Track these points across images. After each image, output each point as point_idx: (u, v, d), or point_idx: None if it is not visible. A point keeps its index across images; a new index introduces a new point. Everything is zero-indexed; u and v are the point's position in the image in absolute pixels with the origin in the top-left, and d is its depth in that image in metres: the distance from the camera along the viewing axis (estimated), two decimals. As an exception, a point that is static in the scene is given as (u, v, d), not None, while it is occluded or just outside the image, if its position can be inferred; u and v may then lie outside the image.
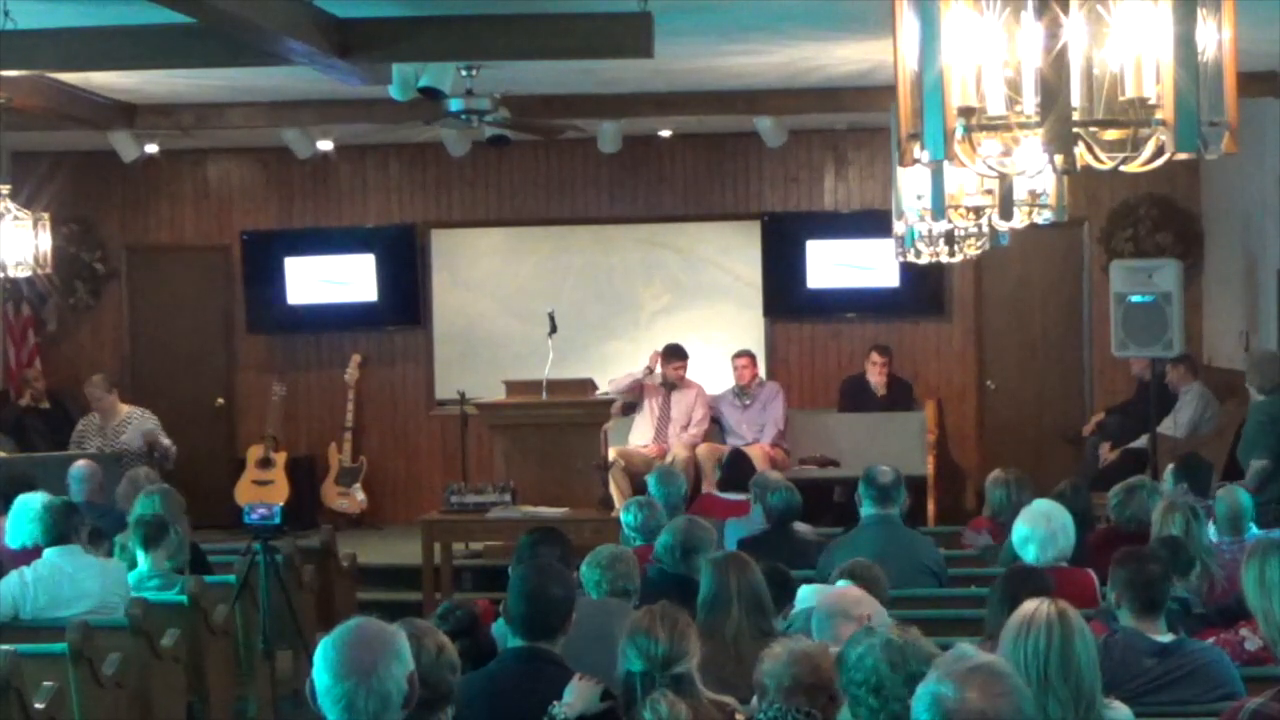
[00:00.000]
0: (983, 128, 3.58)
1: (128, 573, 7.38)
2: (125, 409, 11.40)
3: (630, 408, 12.09)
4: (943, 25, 3.58)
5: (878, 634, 3.78)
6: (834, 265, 13.00)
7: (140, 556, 7.47)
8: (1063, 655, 3.77)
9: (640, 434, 11.98)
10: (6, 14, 7.27)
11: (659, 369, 11.97)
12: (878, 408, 12.38)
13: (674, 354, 11.97)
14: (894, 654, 3.66)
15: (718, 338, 13.00)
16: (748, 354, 12.28)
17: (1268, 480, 8.93)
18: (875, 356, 12.46)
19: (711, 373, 12.53)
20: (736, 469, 9.28)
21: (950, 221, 7.42)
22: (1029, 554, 6.20)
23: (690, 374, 12.13)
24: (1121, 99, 3.53)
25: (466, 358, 13.29)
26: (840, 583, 5.74)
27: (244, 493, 12.31)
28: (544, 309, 11.46)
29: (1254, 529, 7.03)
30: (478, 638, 5.29)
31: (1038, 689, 3.70)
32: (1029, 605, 3.91)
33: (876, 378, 12.42)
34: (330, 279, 13.33)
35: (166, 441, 11.26)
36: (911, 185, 7.95)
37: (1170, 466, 8.10)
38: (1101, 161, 3.61)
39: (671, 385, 11.96)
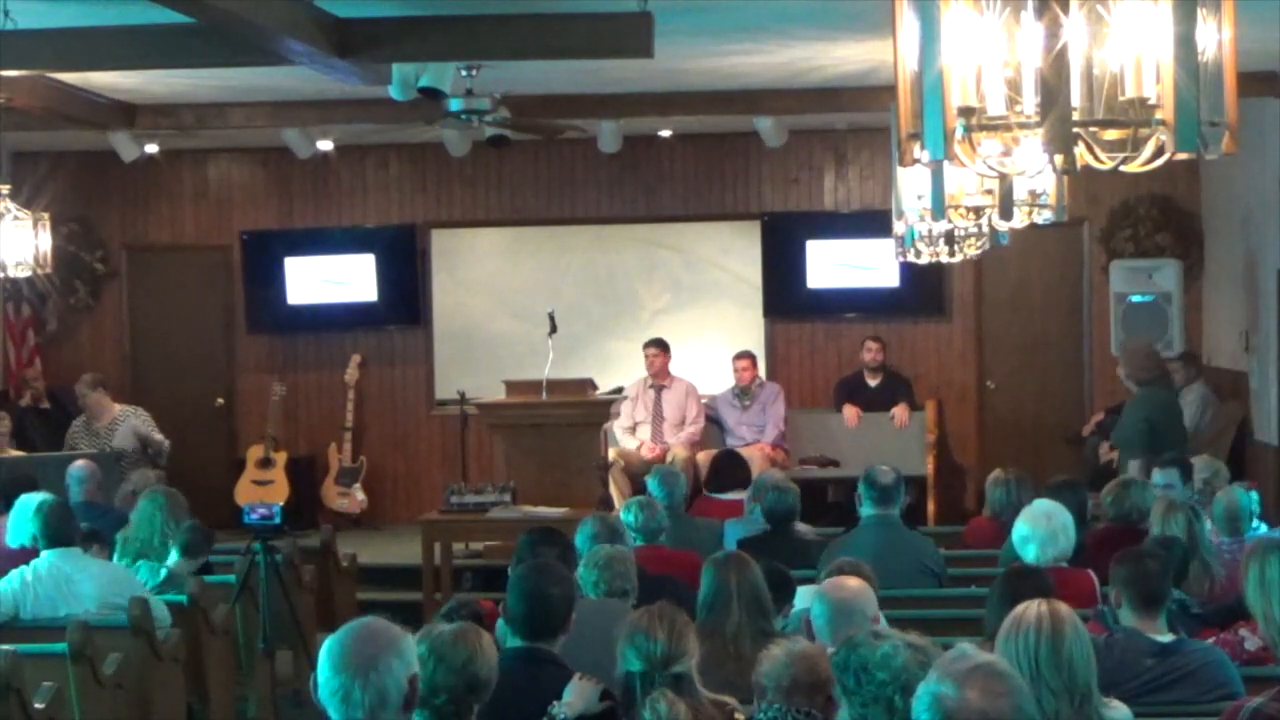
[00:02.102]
0: (983, 128, 3.58)
1: (156, 569, 7.47)
2: (117, 408, 11.34)
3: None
4: (943, 25, 3.58)
5: (891, 634, 3.78)
6: (834, 265, 13.00)
7: (174, 556, 7.56)
8: (1052, 646, 3.80)
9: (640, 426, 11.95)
10: (6, 14, 7.27)
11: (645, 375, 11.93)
12: (871, 397, 12.37)
13: (651, 343, 11.94)
14: (919, 654, 3.67)
15: (718, 338, 13.00)
16: (748, 355, 12.27)
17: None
18: (870, 344, 12.46)
19: (712, 373, 12.53)
20: (725, 470, 9.28)
21: (950, 221, 7.42)
22: (1029, 554, 6.21)
23: (687, 373, 12.12)
24: (1121, 99, 3.53)
25: (466, 358, 13.29)
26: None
27: (244, 493, 12.31)
28: (544, 309, 11.47)
29: (1262, 526, 7.03)
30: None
31: (1030, 681, 3.71)
32: (1021, 606, 3.95)
33: (870, 361, 12.41)
34: (330, 279, 13.32)
35: (159, 437, 11.23)
36: (911, 185, 7.95)
37: (1173, 470, 8.00)
38: (1101, 161, 3.61)
39: (659, 386, 11.92)
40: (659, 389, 11.94)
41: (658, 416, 11.90)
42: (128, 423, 11.19)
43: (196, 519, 7.90)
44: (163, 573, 7.59)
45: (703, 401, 12.20)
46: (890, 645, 3.72)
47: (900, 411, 12.20)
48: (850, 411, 12.27)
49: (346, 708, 3.30)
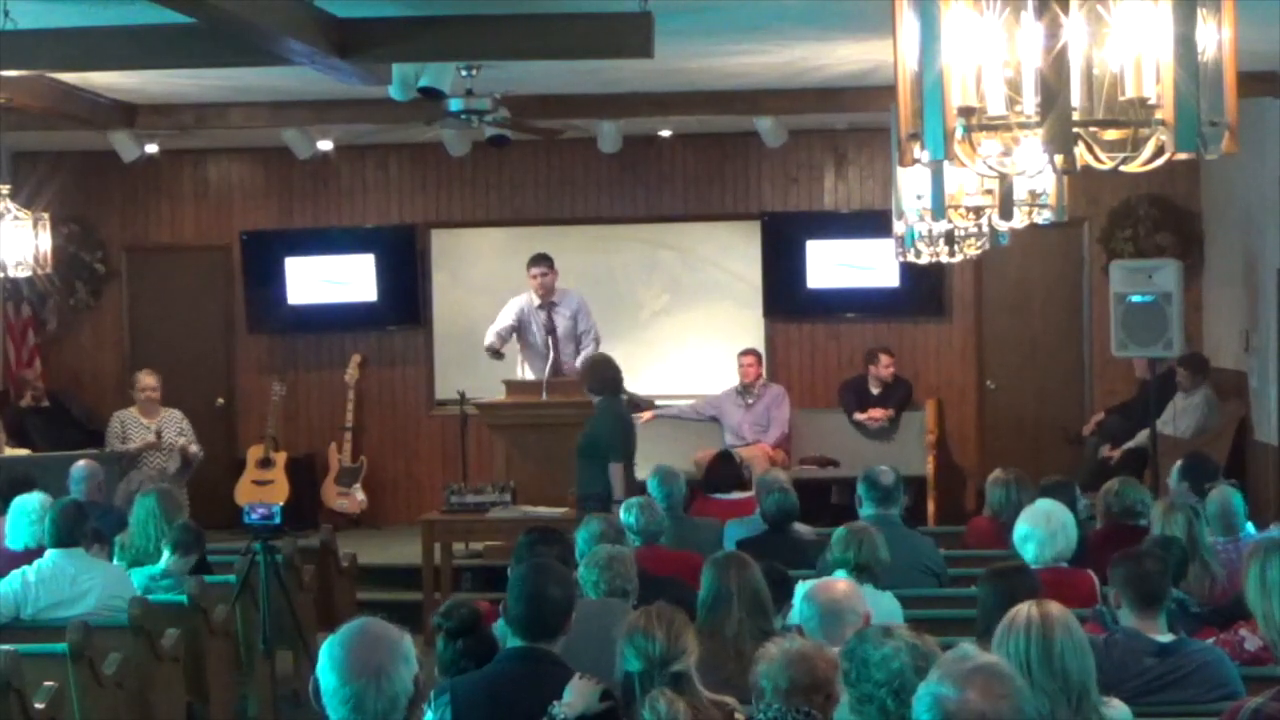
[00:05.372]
0: (983, 128, 3.58)
1: (146, 568, 7.46)
2: (164, 411, 11.84)
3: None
4: (943, 25, 3.58)
5: (899, 636, 3.78)
6: (834, 265, 13.00)
7: (166, 554, 7.55)
8: (1042, 648, 3.81)
9: (532, 363, 11.54)
10: (6, 14, 7.26)
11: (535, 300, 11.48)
12: (875, 402, 12.38)
13: (539, 259, 11.44)
14: (920, 659, 3.67)
15: (718, 338, 13.00)
16: (753, 352, 12.28)
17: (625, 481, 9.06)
18: (883, 357, 12.44)
19: (712, 372, 12.53)
20: (721, 471, 9.27)
21: (950, 221, 7.42)
22: (1029, 553, 6.22)
23: (686, 373, 12.05)
24: (1121, 99, 3.53)
25: (466, 358, 13.24)
26: (838, 573, 5.76)
27: (244, 493, 12.31)
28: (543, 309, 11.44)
29: (1251, 528, 7.03)
30: (479, 637, 5.29)
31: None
32: (1014, 609, 3.96)
33: (886, 377, 12.40)
34: (330, 279, 13.32)
35: (195, 449, 11.77)
36: (911, 185, 7.95)
37: (1177, 467, 8.03)
38: (1101, 161, 3.61)
39: (549, 303, 11.46)
40: (549, 306, 11.51)
41: (550, 332, 11.45)
42: (175, 422, 11.74)
43: (188, 517, 7.90)
44: (157, 572, 7.60)
45: (703, 400, 12.19)
46: (891, 648, 3.72)
47: (876, 412, 12.22)
48: (866, 414, 12.28)
49: (359, 715, 3.31)
